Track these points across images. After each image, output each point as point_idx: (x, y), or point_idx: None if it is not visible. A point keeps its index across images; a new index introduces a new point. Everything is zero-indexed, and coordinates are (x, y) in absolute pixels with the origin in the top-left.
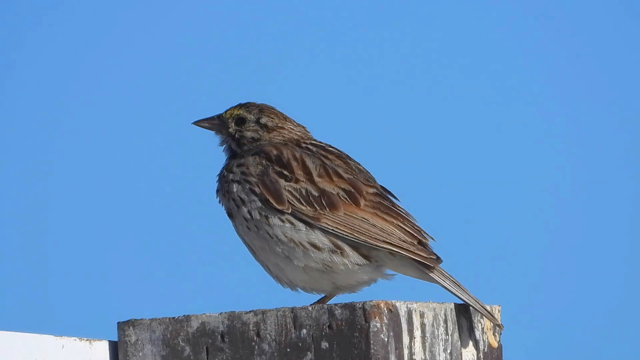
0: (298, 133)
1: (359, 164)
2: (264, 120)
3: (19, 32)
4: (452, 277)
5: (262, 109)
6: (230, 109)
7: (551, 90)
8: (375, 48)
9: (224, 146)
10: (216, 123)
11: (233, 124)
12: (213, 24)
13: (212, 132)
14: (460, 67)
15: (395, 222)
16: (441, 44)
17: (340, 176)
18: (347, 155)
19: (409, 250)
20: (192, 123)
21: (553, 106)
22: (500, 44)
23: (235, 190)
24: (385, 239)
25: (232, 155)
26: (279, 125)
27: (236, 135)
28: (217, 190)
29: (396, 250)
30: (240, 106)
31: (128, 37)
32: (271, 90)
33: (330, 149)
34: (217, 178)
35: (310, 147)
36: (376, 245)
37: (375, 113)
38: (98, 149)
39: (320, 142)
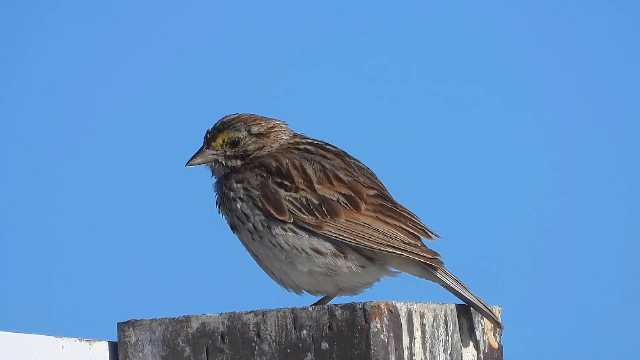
0: (288, 129)
1: (359, 161)
2: (254, 129)
3: (10, 40)
4: (455, 276)
5: (244, 121)
6: (218, 138)
7: (553, 90)
8: (375, 47)
9: (220, 169)
10: (209, 155)
11: (228, 147)
12: (207, 25)
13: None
14: (464, 65)
15: (397, 224)
16: (443, 42)
17: (340, 180)
18: (346, 153)
19: (413, 253)
20: (185, 165)
21: (554, 106)
22: (502, 42)
23: (239, 207)
24: (388, 243)
25: (232, 170)
26: (270, 126)
27: (238, 154)
28: (219, 204)
29: (400, 253)
30: (226, 129)
31: (127, 38)
32: (268, 92)
33: (328, 147)
34: (216, 190)
35: (308, 147)
36: (380, 250)
37: (377, 111)
38: (98, 149)
39: (314, 139)
